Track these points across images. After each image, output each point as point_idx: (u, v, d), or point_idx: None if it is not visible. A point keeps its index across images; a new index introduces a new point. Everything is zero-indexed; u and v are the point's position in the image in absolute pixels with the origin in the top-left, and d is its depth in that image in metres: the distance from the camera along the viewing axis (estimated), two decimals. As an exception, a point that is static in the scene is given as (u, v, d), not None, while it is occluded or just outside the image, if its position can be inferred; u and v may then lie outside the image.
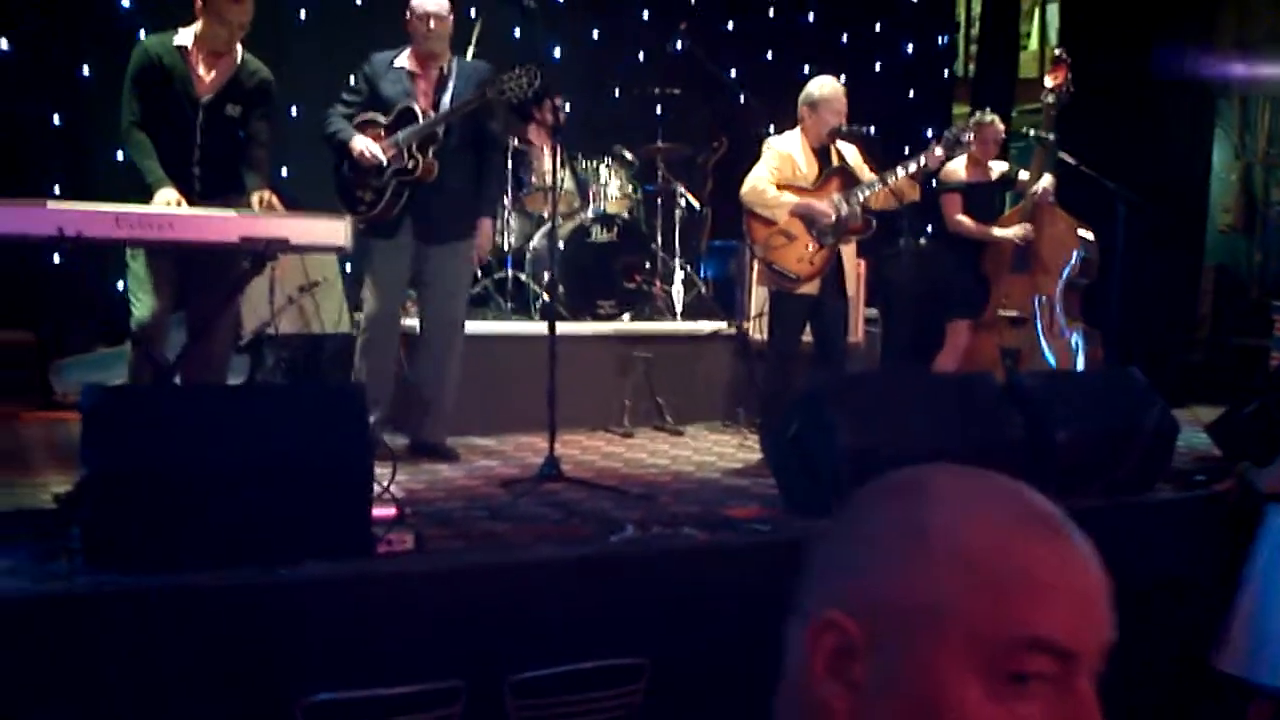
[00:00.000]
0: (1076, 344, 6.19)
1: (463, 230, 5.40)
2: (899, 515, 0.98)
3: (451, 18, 5.34)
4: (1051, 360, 6.13)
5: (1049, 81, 6.23)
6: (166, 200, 4.37)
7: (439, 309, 5.43)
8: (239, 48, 4.70)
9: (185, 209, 4.34)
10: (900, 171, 5.40)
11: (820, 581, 1.00)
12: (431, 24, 5.24)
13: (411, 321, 5.76)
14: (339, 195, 5.32)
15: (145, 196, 4.41)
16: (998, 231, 6.25)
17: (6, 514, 4.08)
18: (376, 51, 5.42)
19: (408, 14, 5.32)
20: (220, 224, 4.12)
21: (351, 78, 5.46)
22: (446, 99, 5.27)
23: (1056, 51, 6.31)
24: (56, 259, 6.96)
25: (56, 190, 6.84)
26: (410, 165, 5.16)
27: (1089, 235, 6.24)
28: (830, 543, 1.02)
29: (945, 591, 0.92)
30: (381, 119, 5.25)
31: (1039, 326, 6.19)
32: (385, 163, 5.17)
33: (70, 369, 6.91)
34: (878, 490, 1.02)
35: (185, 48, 4.63)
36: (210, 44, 4.63)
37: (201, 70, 4.64)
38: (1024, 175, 6.39)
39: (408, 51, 5.33)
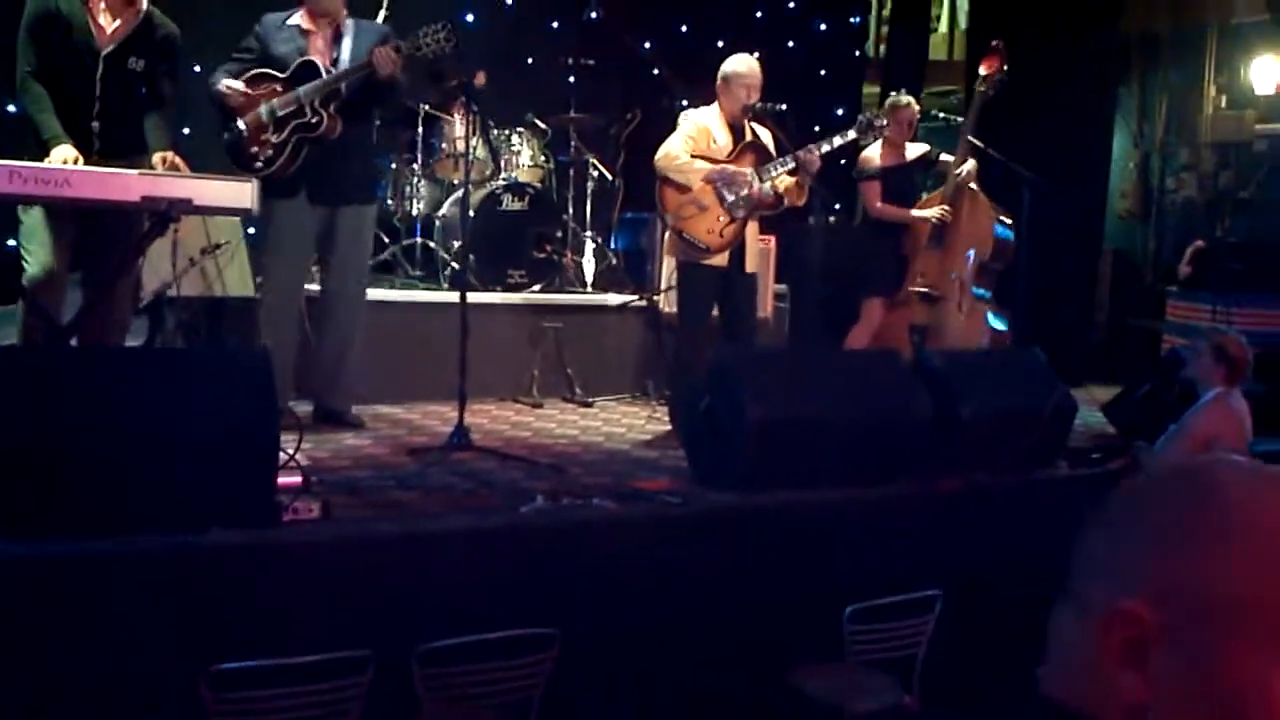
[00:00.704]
0: (986, 323, 6.32)
1: (364, 193, 5.30)
2: (1194, 504, 0.96)
3: None
4: (959, 338, 6.25)
5: (983, 69, 6.34)
6: (64, 158, 4.22)
7: (342, 274, 5.32)
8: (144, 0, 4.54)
9: (84, 166, 4.19)
10: (814, 149, 5.44)
11: (1105, 570, 0.98)
12: None
13: (314, 286, 5.66)
14: (231, 155, 5.08)
15: (41, 152, 4.25)
16: (917, 213, 6.37)
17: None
18: (272, 12, 5.26)
19: None
20: (122, 182, 3.99)
21: (244, 38, 5.26)
22: (345, 56, 5.12)
23: (994, 42, 6.40)
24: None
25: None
26: (314, 120, 5.02)
27: (1008, 221, 6.37)
28: (1112, 530, 1.00)
29: (1250, 581, 0.91)
30: (278, 74, 5.08)
31: (949, 304, 6.30)
32: (263, 117, 4.98)
33: (-43, 328, 6.66)
34: (1162, 479, 1.01)
35: (87, -5, 4.46)
36: None
37: (103, 20, 4.47)
38: (945, 156, 6.48)
39: (301, 11, 5.18)
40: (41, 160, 4.18)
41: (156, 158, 4.46)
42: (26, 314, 4.49)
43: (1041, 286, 7.15)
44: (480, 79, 6.66)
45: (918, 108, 6.62)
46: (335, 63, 5.11)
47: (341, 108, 5.06)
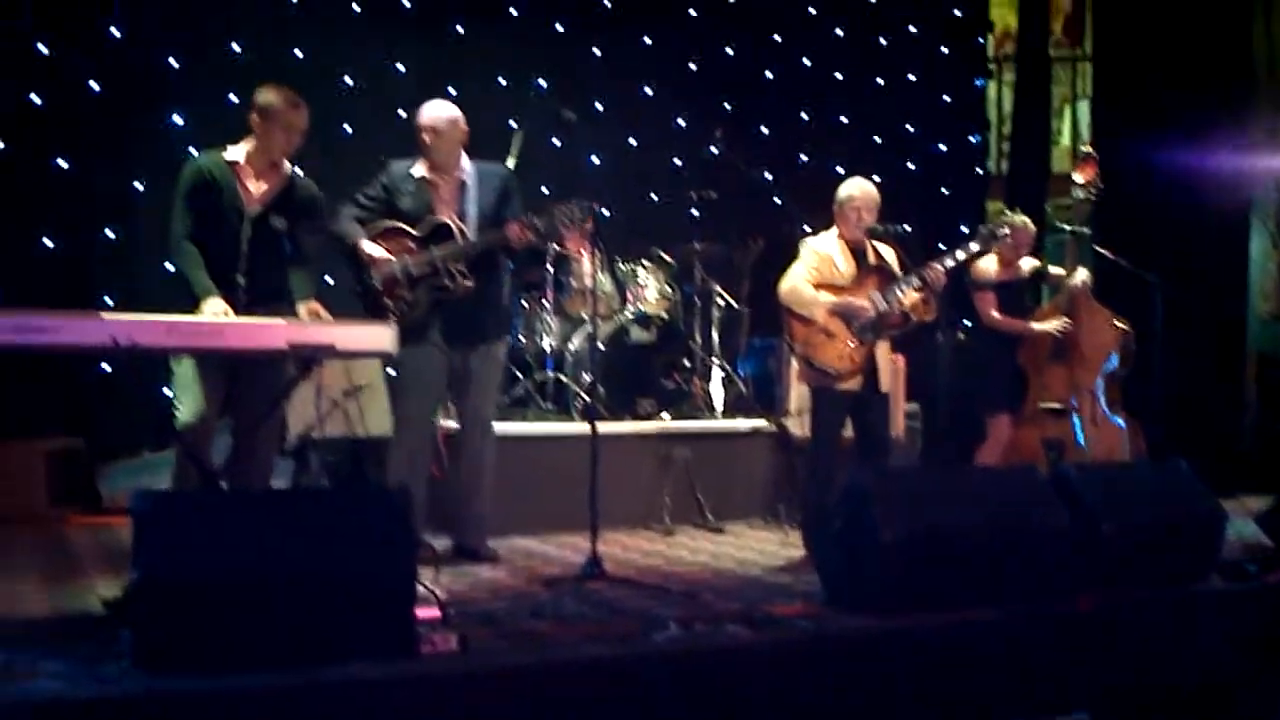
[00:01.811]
0: (1121, 434, 6.17)
1: (493, 332, 5.47)
2: None
3: (458, 125, 5.35)
4: (1094, 452, 6.10)
5: (1079, 178, 6.33)
6: (214, 310, 4.48)
7: (474, 411, 5.46)
8: (287, 164, 4.85)
9: (234, 318, 4.44)
10: (937, 265, 5.45)
11: None
12: (427, 138, 5.32)
13: (451, 423, 5.82)
14: (364, 305, 5.27)
15: (193, 306, 4.52)
16: (1037, 326, 6.29)
17: (57, 619, 4.14)
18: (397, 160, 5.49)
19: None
20: (269, 331, 4.21)
21: (370, 183, 5.46)
22: (471, 209, 5.33)
23: (1084, 149, 6.40)
24: (106, 367, 7.12)
25: (109, 301, 7.03)
26: (449, 284, 5.23)
27: (1125, 327, 6.27)
28: None
29: None
30: (411, 230, 5.30)
31: (1080, 418, 6.17)
32: (398, 274, 5.21)
33: (117, 474, 7.02)
34: None
35: (236, 162, 4.78)
36: (266, 156, 4.78)
37: (251, 184, 4.79)
38: (1055, 269, 6.43)
39: (423, 160, 5.39)
40: (194, 314, 4.44)
41: (302, 310, 4.70)
42: (179, 460, 4.72)
43: (1184, 393, 6.96)
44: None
45: (1034, 228, 6.59)
46: (463, 215, 5.32)
47: (473, 266, 5.25)
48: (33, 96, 7.12)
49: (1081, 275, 6.23)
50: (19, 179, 7.10)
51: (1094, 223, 6.28)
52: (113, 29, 7.31)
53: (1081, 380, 6.20)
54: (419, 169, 5.38)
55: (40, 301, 4.57)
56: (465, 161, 5.43)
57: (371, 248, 5.23)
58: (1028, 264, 6.48)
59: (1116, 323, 6.26)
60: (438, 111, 5.35)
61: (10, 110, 7.06)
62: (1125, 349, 6.26)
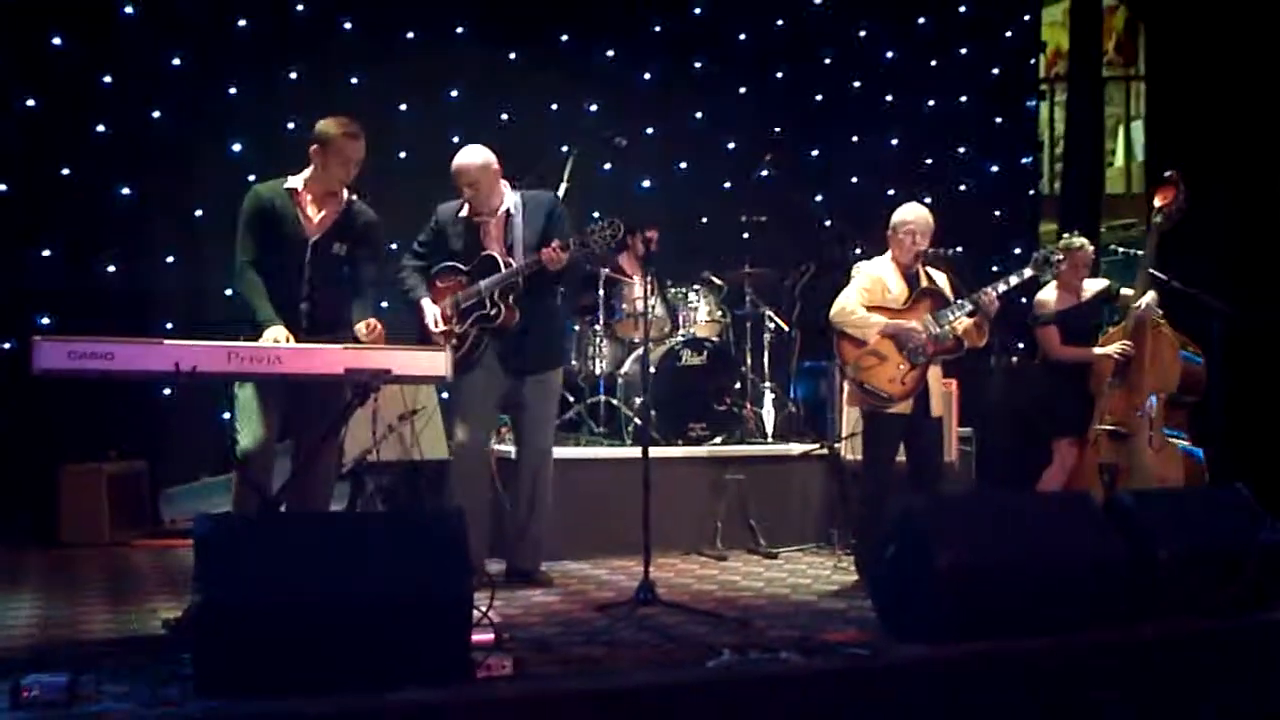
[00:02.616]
0: (1181, 460, 6.08)
1: (547, 363, 5.53)
2: None
3: (490, 168, 5.42)
4: (1152, 476, 6.03)
5: (1157, 201, 6.25)
6: (275, 337, 4.56)
7: (530, 437, 5.53)
8: (345, 191, 4.93)
9: (293, 344, 4.52)
10: (990, 291, 5.43)
11: None
12: (462, 184, 5.42)
13: (507, 448, 5.86)
14: (420, 340, 5.43)
15: (255, 332, 4.60)
16: (1099, 351, 6.22)
17: (120, 640, 4.21)
18: (443, 203, 5.59)
19: None
20: (327, 357, 4.28)
21: (423, 229, 5.61)
22: (518, 237, 5.42)
23: (1168, 173, 6.32)
24: (167, 391, 7.25)
25: (170, 326, 7.16)
26: (493, 313, 5.34)
27: (1195, 352, 6.17)
28: None
29: None
30: (462, 266, 5.45)
31: (1140, 441, 6.10)
32: (448, 311, 5.37)
33: (178, 497, 7.14)
34: None
35: (295, 190, 4.87)
36: (324, 184, 4.87)
37: (310, 211, 4.87)
38: (1125, 290, 6.37)
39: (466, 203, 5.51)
40: (255, 340, 4.52)
41: (360, 326, 4.76)
42: (239, 484, 4.79)
43: (1243, 419, 6.86)
44: (653, 235, 6.90)
45: (1091, 248, 6.52)
46: (510, 248, 5.41)
47: (519, 297, 5.35)
48: (97, 126, 7.29)
49: (1149, 298, 6.14)
50: (83, 207, 7.27)
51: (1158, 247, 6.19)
52: (174, 59, 7.47)
53: (1142, 403, 6.13)
54: (465, 210, 5.50)
55: (103, 328, 4.68)
56: (508, 193, 5.52)
57: (427, 307, 5.41)
58: (1093, 286, 6.41)
59: (1186, 348, 6.17)
60: (467, 159, 5.43)
61: (75, 139, 7.24)
62: (1191, 375, 6.15)
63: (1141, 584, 4.24)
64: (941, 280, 5.68)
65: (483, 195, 5.42)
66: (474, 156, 5.44)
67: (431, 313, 5.40)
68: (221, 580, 3.35)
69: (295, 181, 4.89)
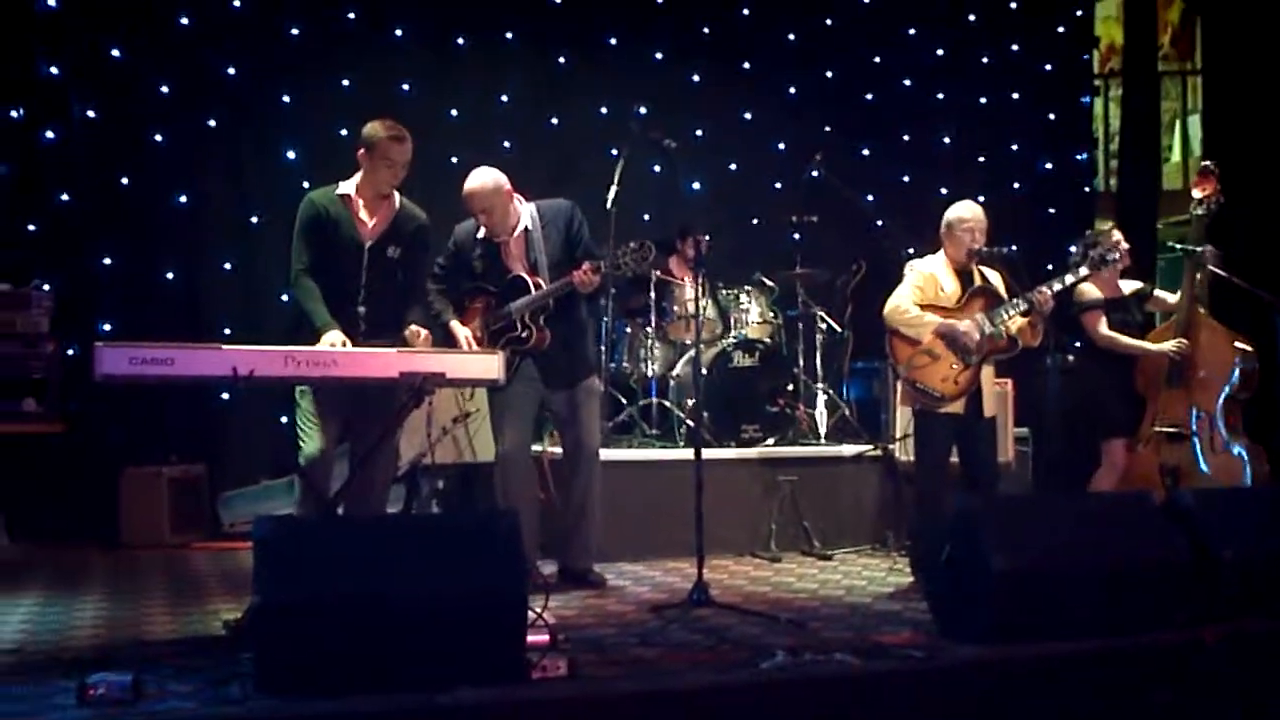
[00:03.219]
0: (1241, 460, 5.98)
1: (579, 375, 5.53)
2: None
3: (500, 190, 5.39)
4: (1213, 477, 5.94)
5: (1196, 193, 6.16)
6: (332, 342, 4.61)
7: (575, 442, 5.54)
8: (396, 195, 4.97)
9: (349, 348, 4.56)
10: (1044, 290, 5.38)
11: None
12: (474, 208, 5.40)
13: (558, 449, 5.88)
14: None
15: (313, 338, 4.65)
16: (1151, 346, 6.12)
17: (182, 641, 4.28)
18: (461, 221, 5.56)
19: None
20: (382, 361, 4.32)
21: (444, 251, 5.57)
22: (541, 257, 5.42)
23: (1205, 163, 6.23)
24: (225, 396, 7.35)
25: (227, 331, 7.26)
26: (524, 335, 5.35)
27: (1247, 348, 6.07)
28: None
29: None
30: (491, 288, 5.45)
31: (1199, 442, 6.01)
32: (482, 330, 5.38)
33: (236, 500, 7.23)
34: None
35: (348, 196, 4.92)
36: (374, 188, 4.91)
37: (364, 216, 4.92)
38: (1160, 294, 6.28)
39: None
40: (314, 345, 4.57)
41: (408, 331, 4.81)
42: (302, 489, 4.85)
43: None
44: (703, 239, 6.88)
45: (1126, 245, 6.38)
46: (534, 265, 5.41)
47: (550, 318, 5.37)
48: (155, 135, 7.41)
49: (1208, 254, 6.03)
50: (141, 214, 7.39)
51: (1208, 240, 6.09)
52: (229, 68, 7.57)
53: (1200, 403, 6.03)
54: (481, 232, 5.49)
55: (161, 333, 4.76)
56: (522, 209, 5.50)
57: (457, 329, 5.39)
58: (1128, 286, 6.31)
59: (1238, 343, 6.07)
60: (478, 183, 5.40)
61: (133, 148, 7.36)
62: (1247, 371, 6.05)
63: (1204, 586, 4.18)
64: (995, 279, 5.63)
65: (497, 218, 5.41)
66: (484, 180, 5.40)
67: (463, 334, 5.38)
68: (280, 582, 3.40)
69: (347, 187, 4.94)
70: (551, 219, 5.50)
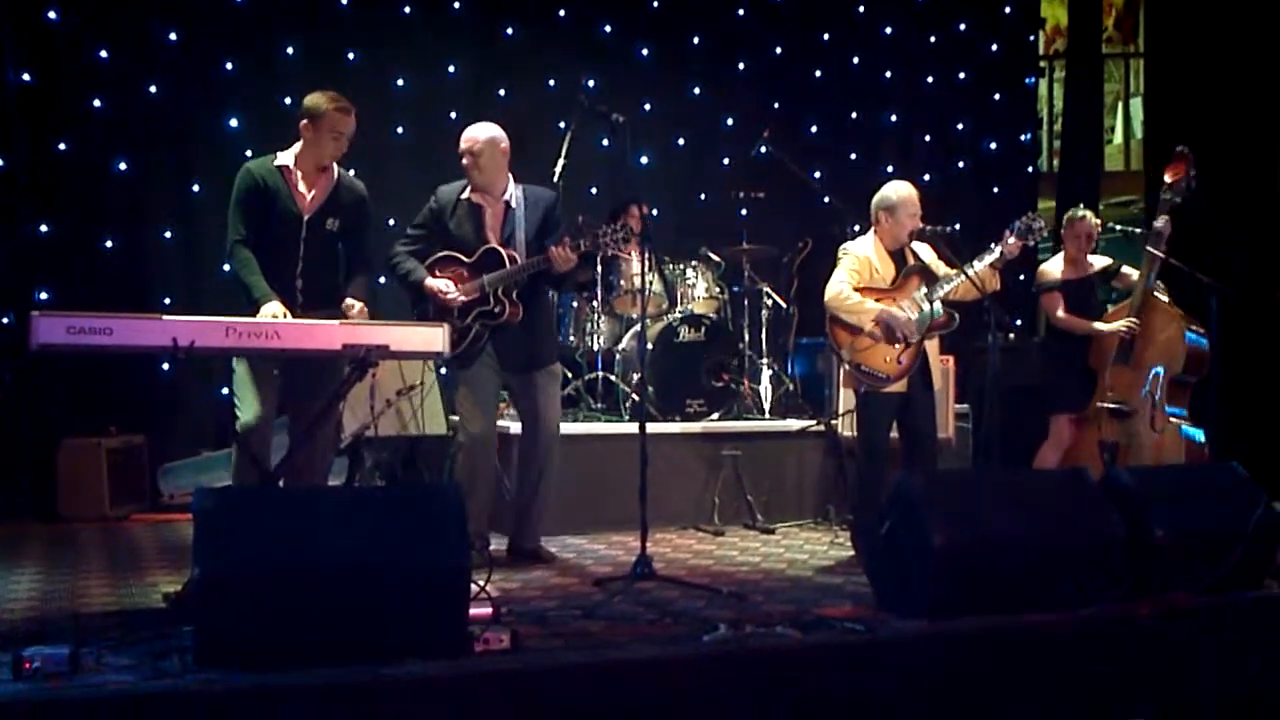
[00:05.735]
0: (1181, 439, 6.09)
1: (545, 359, 5.52)
2: None
3: (497, 145, 5.39)
4: (1153, 454, 6.04)
5: (1168, 176, 6.23)
6: (273, 313, 4.56)
7: (534, 424, 5.52)
8: (335, 167, 4.92)
9: (291, 319, 4.52)
10: (978, 264, 5.44)
11: None
12: (467, 160, 5.38)
13: (511, 425, 5.86)
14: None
15: (252, 309, 4.60)
16: (1103, 326, 6.22)
17: (120, 613, 4.23)
18: (445, 184, 5.55)
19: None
20: (324, 332, 4.27)
21: (420, 212, 5.54)
22: (518, 233, 5.39)
23: (1179, 148, 6.30)
24: (165, 366, 7.25)
25: (168, 301, 7.16)
26: (497, 309, 5.31)
27: (1199, 330, 6.17)
28: None
29: None
30: (463, 258, 5.38)
31: (1140, 419, 6.11)
32: (463, 302, 5.29)
33: (176, 472, 7.16)
34: None
35: (286, 167, 4.86)
36: (315, 160, 4.85)
37: (302, 188, 4.86)
38: (1127, 270, 6.37)
39: (469, 183, 5.47)
40: (253, 316, 4.52)
41: (345, 304, 4.76)
42: (239, 458, 4.80)
43: (1241, 398, 6.87)
44: (644, 210, 6.89)
45: (1096, 221, 6.52)
46: (510, 239, 5.38)
47: (522, 293, 5.34)
48: (94, 101, 7.27)
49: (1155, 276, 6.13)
50: (80, 181, 7.25)
51: (1145, 224, 6.20)
52: (170, 34, 7.44)
53: (1145, 381, 6.13)
54: (468, 193, 5.46)
55: (100, 303, 4.68)
56: (512, 186, 5.49)
57: (434, 282, 5.31)
58: (1098, 262, 6.41)
59: (1192, 327, 6.17)
60: (475, 133, 5.41)
61: (72, 114, 7.21)
62: (1195, 354, 6.14)
63: (1138, 562, 4.26)
64: (927, 253, 5.67)
65: (488, 173, 5.38)
66: (483, 131, 5.41)
67: (443, 284, 5.29)
68: (220, 554, 3.37)
69: (285, 158, 4.87)
70: (534, 202, 5.48)
